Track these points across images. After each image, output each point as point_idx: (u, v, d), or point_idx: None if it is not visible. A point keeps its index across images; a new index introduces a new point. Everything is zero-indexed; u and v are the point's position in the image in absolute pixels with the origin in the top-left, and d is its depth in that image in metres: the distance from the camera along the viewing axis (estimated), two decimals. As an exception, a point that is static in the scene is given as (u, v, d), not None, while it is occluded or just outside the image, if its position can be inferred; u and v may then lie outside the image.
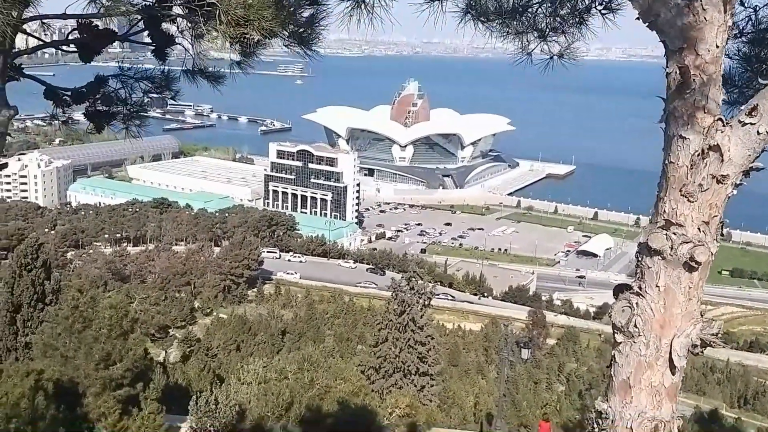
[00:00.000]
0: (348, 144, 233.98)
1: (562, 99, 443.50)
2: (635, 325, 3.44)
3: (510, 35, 4.68)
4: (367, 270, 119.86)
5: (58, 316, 23.77)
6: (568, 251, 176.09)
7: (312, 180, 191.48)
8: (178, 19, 5.70)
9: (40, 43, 5.75)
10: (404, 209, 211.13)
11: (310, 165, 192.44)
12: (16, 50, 5.64)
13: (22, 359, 30.80)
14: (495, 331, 78.19)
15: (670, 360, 3.45)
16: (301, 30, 5.63)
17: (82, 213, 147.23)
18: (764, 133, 3.30)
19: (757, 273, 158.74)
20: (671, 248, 3.38)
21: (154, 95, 6.92)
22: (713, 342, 3.47)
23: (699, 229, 3.41)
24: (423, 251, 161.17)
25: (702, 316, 3.52)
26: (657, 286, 3.43)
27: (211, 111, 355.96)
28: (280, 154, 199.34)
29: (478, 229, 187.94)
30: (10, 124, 5.79)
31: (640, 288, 3.50)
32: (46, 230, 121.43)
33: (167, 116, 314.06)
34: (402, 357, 41.57)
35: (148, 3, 5.45)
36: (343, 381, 28.81)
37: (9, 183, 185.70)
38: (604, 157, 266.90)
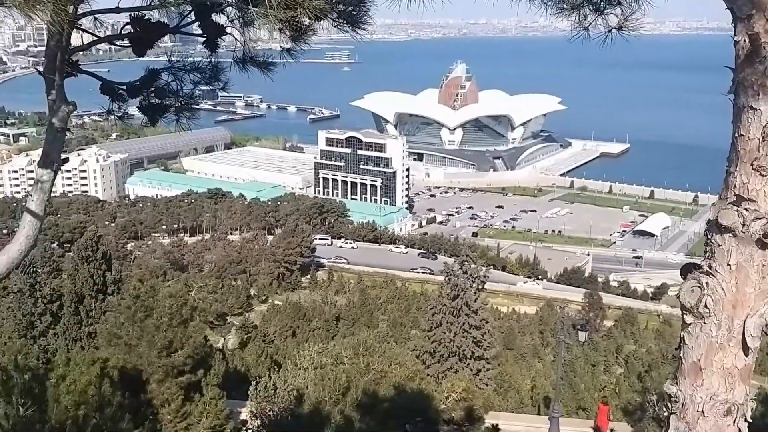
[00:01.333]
0: (396, 129, 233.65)
1: (615, 76, 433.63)
2: (705, 306, 3.30)
3: (565, 10, 4.52)
4: (418, 255, 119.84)
5: (121, 305, 24.41)
6: (624, 231, 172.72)
7: (361, 166, 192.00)
8: (227, 9, 5.73)
9: (95, 38, 5.83)
10: (455, 193, 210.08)
11: (359, 151, 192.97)
12: (72, 47, 5.75)
13: (87, 348, 31.83)
14: (550, 314, 77.47)
15: (743, 341, 3.30)
16: (350, 8, 5.59)
17: (140, 205, 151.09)
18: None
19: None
20: (743, 225, 3.23)
21: (204, 86, 7.02)
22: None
23: (772, 204, 3.24)
24: (475, 235, 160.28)
25: (776, 294, 3.35)
26: (728, 264, 3.28)
27: (261, 101, 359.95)
28: (329, 142, 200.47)
29: (531, 211, 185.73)
30: (69, 120, 5.93)
31: (710, 267, 3.36)
32: (107, 223, 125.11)
33: (218, 108, 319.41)
34: (457, 341, 41.52)
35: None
36: (399, 366, 28.90)
37: (70, 178, 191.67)
38: (659, 134, 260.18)
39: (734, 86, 3.30)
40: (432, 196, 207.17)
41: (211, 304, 77.74)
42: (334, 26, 5.58)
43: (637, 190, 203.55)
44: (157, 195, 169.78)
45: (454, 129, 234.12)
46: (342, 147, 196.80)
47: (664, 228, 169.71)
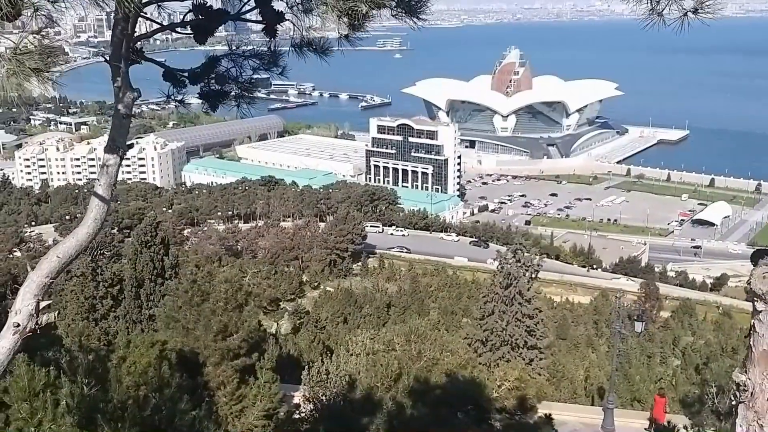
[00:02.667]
0: (448, 116, 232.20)
1: (674, 60, 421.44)
2: (778, 293, 3.19)
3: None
4: (470, 243, 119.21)
5: (178, 290, 25.01)
6: (683, 220, 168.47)
7: (412, 154, 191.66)
8: (287, -6, 5.77)
9: (158, 26, 5.97)
10: (507, 180, 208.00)
11: (411, 139, 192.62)
12: (137, 34, 5.89)
13: (147, 330, 32.72)
14: (605, 303, 76.26)
15: (819, 330, 3.19)
16: (409, -3, 5.56)
17: (196, 192, 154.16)
18: None
19: None
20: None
21: (263, 72, 7.10)
22: None
23: None
24: (528, 223, 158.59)
25: None
26: (803, 250, 3.17)
27: (313, 89, 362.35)
28: (381, 129, 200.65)
29: (586, 199, 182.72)
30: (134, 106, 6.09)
31: (783, 253, 3.25)
32: (164, 209, 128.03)
33: (271, 96, 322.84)
34: (509, 330, 41.21)
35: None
36: (451, 353, 28.90)
37: (129, 165, 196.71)
38: (720, 121, 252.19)
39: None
40: (484, 183, 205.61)
41: (265, 289, 78.99)
42: (393, 16, 5.56)
43: (696, 178, 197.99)
44: (212, 182, 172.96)
45: (507, 116, 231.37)
46: (393, 134, 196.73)
47: (725, 217, 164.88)
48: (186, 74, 6.42)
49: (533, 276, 43.26)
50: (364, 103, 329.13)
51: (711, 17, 4.18)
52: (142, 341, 20.65)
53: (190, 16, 5.91)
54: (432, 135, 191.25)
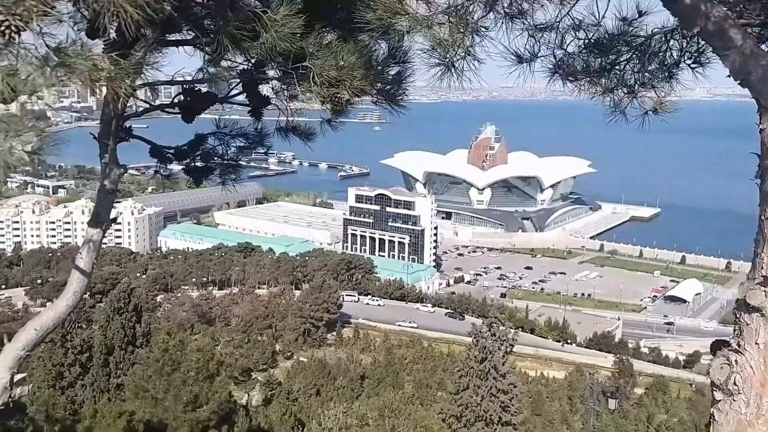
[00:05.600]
0: (425, 188, 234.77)
1: (644, 140, 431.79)
2: (734, 383, 3.35)
3: (598, 93, 4.71)
4: (446, 314, 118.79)
5: (149, 358, 24.64)
6: (655, 297, 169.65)
7: (390, 223, 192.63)
8: (273, 81, 6.05)
9: (148, 106, 6.17)
10: (483, 252, 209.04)
11: (388, 209, 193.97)
12: (126, 113, 6.10)
13: (114, 400, 31.88)
14: (580, 379, 75.91)
15: (773, 419, 3.34)
16: (389, 87, 5.87)
17: (172, 258, 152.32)
18: None
19: None
20: (771, 305, 3.31)
21: (249, 150, 7.35)
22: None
23: (799, 285, 3.32)
24: (503, 295, 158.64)
25: (806, 374, 3.39)
26: (756, 343, 3.35)
27: (293, 158, 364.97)
28: (359, 198, 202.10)
29: (560, 273, 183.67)
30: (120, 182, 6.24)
31: (738, 345, 3.42)
32: (138, 274, 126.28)
33: (251, 164, 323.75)
34: (484, 405, 40.65)
35: (246, 68, 5.80)
36: (425, 429, 28.46)
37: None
38: (690, 199, 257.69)
39: (760, 171, 3.43)
40: (460, 255, 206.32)
41: (237, 359, 77.55)
42: (373, 102, 5.86)
43: (668, 255, 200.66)
44: (188, 248, 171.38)
45: (483, 189, 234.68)
46: (371, 204, 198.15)
47: (696, 294, 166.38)
48: (172, 152, 6.62)
49: (508, 350, 43.04)
50: (342, 173, 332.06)
51: (670, 115, 4.52)
52: (109, 411, 20.17)
53: (180, 97, 6.16)
54: (409, 205, 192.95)
